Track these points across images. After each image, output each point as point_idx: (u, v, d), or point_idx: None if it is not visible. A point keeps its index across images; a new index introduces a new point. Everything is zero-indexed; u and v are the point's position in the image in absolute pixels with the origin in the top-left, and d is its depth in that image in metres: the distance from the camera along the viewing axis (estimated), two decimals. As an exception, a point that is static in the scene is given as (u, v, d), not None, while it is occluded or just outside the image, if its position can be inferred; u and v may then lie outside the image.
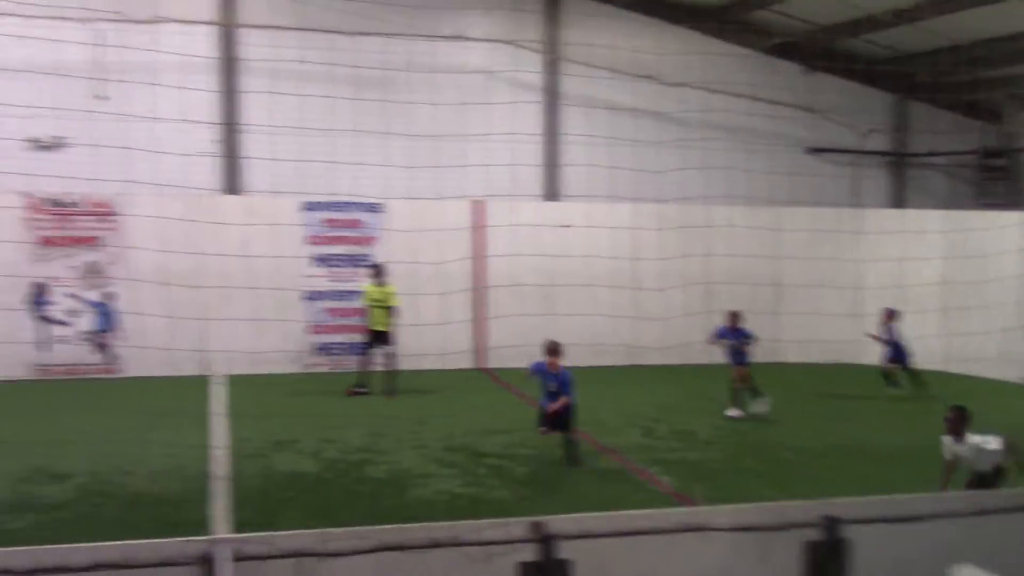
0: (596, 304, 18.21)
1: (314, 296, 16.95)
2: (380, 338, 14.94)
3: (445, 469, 10.57)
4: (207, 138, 16.96)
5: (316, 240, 17.00)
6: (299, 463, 10.63)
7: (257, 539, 5.97)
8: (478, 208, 17.73)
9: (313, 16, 17.22)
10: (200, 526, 8.35)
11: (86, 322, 16.03)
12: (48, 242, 15.83)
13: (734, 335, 13.74)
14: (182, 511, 8.92)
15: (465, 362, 17.64)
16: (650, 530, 6.17)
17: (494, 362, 17.53)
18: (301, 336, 16.84)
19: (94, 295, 16.05)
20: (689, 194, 19.28)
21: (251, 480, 9.69)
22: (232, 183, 17.21)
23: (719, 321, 14.41)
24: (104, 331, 16.14)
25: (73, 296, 15.95)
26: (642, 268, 18.52)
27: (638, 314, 18.39)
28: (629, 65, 18.96)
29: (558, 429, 10.81)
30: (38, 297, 15.80)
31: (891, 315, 15.50)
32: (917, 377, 15.23)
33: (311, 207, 16.99)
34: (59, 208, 15.88)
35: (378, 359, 15.04)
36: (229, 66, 17.12)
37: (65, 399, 14.05)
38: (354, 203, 17.23)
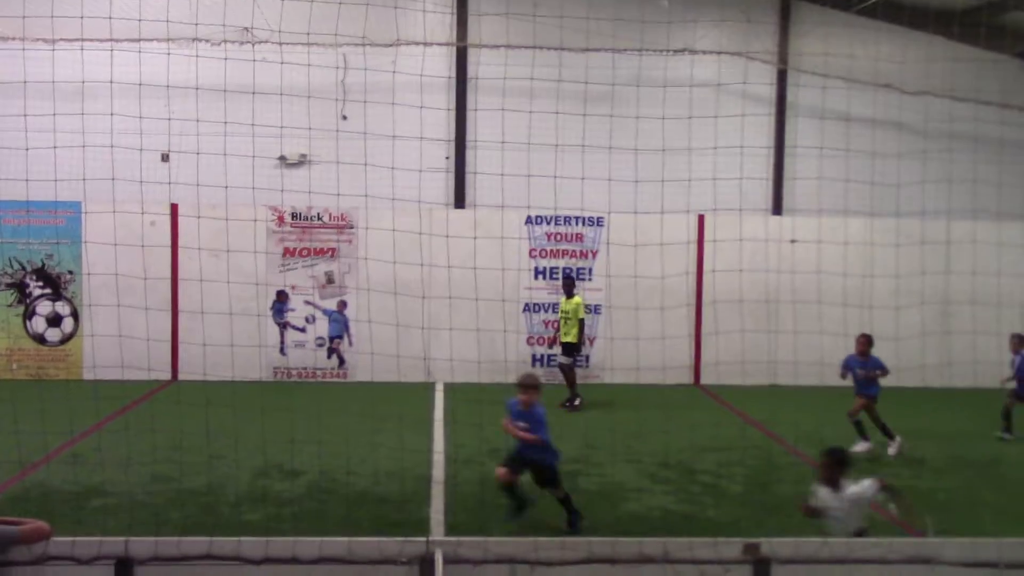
0: (823, 322, 17.44)
1: (535, 308, 17.20)
2: (565, 350, 15.20)
3: (658, 485, 10.42)
4: (439, 154, 17.60)
5: (538, 253, 17.26)
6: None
7: (472, 543, 6.09)
8: (701, 222, 17.44)
9: (544, 34, 17.52)
10: (419, 527, 8.63)
11: (322, 329, 16.98)
12: (290, 253, 16.90)
13: (863, 364, 12.49)
14: (402, 512, 9.24)
15: (684, 377, 17.37)
16: (872, 559, 5.82)
17: (713, 379, 17.17)
18: (520, 347, 17.12)
19: (329, 303, 16.97)
20: (929, 208, 18.15)
21: (467, 486, 9.91)
22: (460, 197, 17.77)
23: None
24: (337, 338, 17.02)
25: (310, 304, 16.94)
26: (875, 285, 17.60)
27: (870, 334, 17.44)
28: (866, 74, 18.11)
29: (543, 484, 9.18)
30: (279, 305, 16.88)
31: (1022, 341, 13.70)
32: None
33: (534, 220, 17.27)
34: (302, 221, 16.93)
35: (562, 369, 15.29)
36: (461, 85, 17.72)
37: (300, 400, 14.89)
38: (576, 217, 17.36)
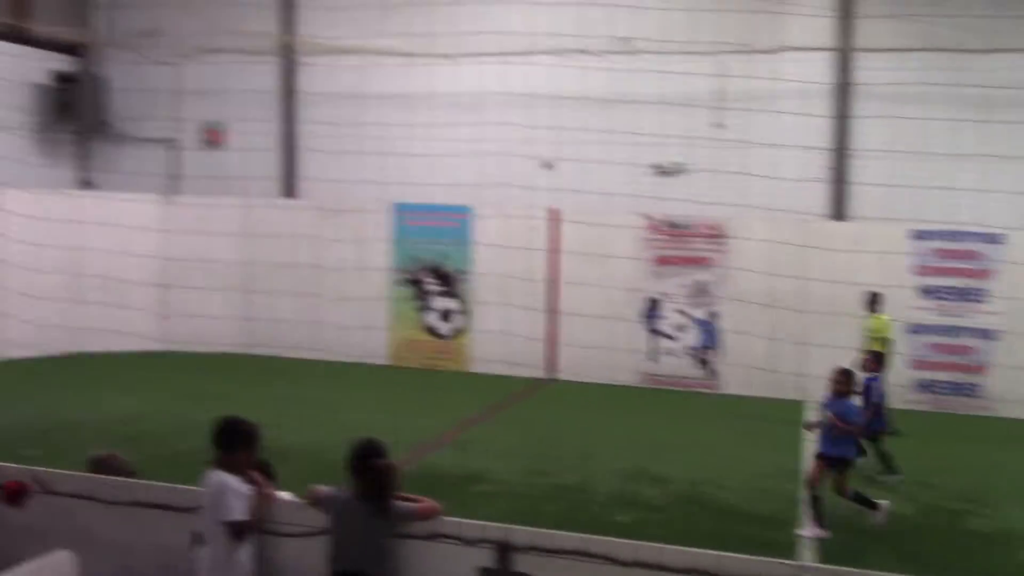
0: None
1: (918, 329, 16.03)
2: None
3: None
4: (818, 163, 16.96)
5: (925, 271, 16.08)
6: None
7: (843, 573, 5.80)
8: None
9: (939, 35, 16.29)
10: (787, 549, 8.35)
11: (692, 338, 16.98)
12: (663, 261, 17.06)
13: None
14: (770, 531, 9.00)
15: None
16: None
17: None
18: (904, 370, 16.03)
19: (700, 313, 16.93)
20: None
21: (840, 511, 9.44)
22: (839, 208, 17.00)
23: None
24: (707, 348, 16.94)
25: (681, 312, 16.99)
26: None
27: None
28: None
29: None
30: (650, 311, 17.11)
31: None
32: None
33: (921, 235, 16.09)
34: (675, 229, 17.04)
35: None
36: (844, 91, 16.95)
37: (668, 408, 14.99)
38: (971, 233, 15.96)
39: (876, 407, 10.96)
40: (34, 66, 18.24)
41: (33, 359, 16.23)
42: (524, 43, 16.67)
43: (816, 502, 9.01)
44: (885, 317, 14.44)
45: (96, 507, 5.89)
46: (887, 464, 10.98)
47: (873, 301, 14.52)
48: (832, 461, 9.12)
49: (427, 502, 5.73)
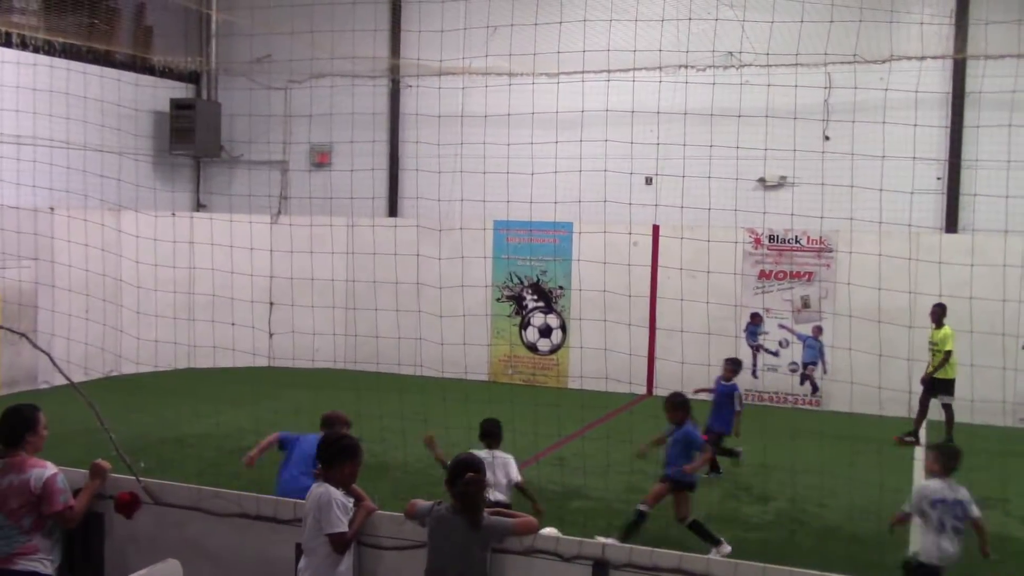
0: None
1: (1042, 345, 15.38)
2: (937, 385, 13.80)
3: None
4: (929, 175, 16.49)
5: (1046, 284, 15.42)
6: (1007, 525, 9.73)
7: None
8: None
9: (1057, 40, 15.69)
10: (893, 572, 8.11)
11: (795, 353, 16.65)
12: (766, 275, 16.80)
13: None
14: (878, 553, 8.75)
15: None
16: None
17: None
18: (1020, 386, 15.40)
19: (804, 328, 16.60)
20: None
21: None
22: (952, 220, 16.47)
23: None
24: (811, 364, 16.59)
25: (785, 328, 16.69)
26: None
27: None
28: None
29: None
30: (753, 326, 16.84)
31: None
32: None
33: (1042, 247, 15.47)
34: (779, 244, 16.77)
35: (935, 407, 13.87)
36: (959, 100, 16.45)
37: (770, 425, 14.69)
38: (1092, 243, 15.28)
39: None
40: (156, 94, 19.17)
41: (146, 374, 16.87)
42: (627, 60, 16.66)
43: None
44: (948, 329, 14.11)
45: (204, 519, 6.10)
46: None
47: (938, 313, 14.13)
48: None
49: (524, 517, 5.77)
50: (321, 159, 19.83)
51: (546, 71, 17.42)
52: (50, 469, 5.69)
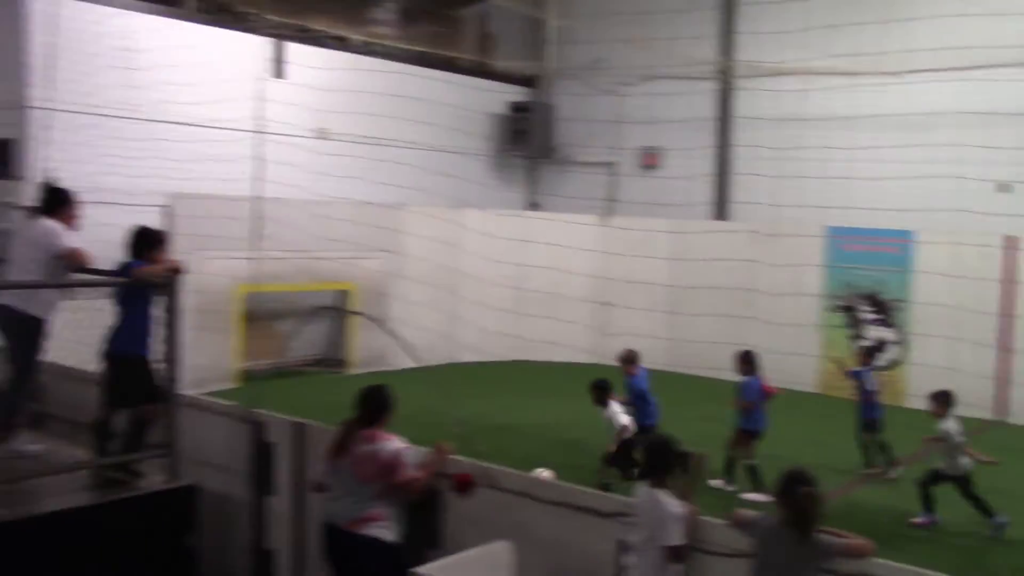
0: None
1: None
2: None
3: None
4: None
5: None
6: None
7: None
8: None
9: None
10: None
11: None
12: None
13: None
14: None
15: None
16: None
17: None
18: None
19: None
20: None
21: None
22: None
23: None
24: None
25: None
26: None
27: None
28: None
29: None
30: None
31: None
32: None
33: None
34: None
35: None
36: None
37: None
38: None
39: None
40: (495, 97, 20.23)
41: (481, 363, 17.79)
42: (985, 56, 15.35)
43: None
44: None
45: (533, 505, 6.30)
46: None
47: None
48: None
49: (858, 539, 5.45)
50: (650, 161, 19.95)
51: (894, 70, 16.44)
52: (400, 442, 6.13)
